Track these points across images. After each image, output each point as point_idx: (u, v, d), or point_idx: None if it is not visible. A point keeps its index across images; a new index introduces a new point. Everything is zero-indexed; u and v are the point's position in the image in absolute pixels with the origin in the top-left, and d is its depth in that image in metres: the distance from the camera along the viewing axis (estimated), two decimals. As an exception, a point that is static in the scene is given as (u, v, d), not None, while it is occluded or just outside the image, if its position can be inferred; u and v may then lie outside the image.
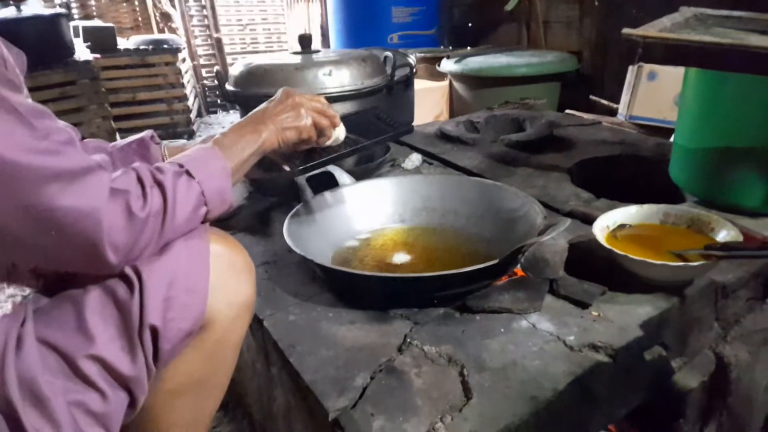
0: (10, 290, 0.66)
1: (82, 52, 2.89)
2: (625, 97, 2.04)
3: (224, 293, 0.71)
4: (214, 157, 0.74)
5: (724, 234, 0.94)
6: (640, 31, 1.09)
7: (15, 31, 2.52)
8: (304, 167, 0.94)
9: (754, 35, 1.11)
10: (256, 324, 0.94)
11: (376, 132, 1.05)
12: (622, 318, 0.86)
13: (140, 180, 0.64)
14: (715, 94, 1.16)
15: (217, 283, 0.70)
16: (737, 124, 1.12)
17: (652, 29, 1.11)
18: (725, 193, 1.16)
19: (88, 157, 0.61)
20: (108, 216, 0.59)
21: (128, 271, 0.65)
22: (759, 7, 1.21)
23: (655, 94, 1.92)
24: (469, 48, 3.31)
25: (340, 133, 0.96)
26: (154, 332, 0.65)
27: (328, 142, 0.95)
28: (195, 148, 0.77)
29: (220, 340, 0.73)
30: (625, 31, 1.09)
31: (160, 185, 0.65)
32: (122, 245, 0.62)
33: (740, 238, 0.91)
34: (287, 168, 0.92)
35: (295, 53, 1.39)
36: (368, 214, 1.18)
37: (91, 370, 0.62)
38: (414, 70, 1.72)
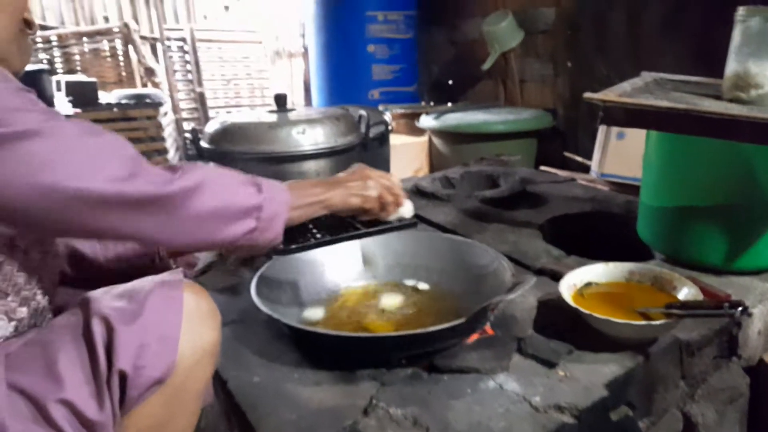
0: None
1: (63, 106, 2.92)
2: (596, 155, 2.11)
3: (188, 338, 0.71)
4: (283, 189, 0.81)
5: (685, 292, 0.95)
6: (601, 95, 1.13)
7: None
8: (295, 247, 0.94)
9: (708, 99, 1.17)
10: (220, 385, 0.92)
11: (378, 222, 1.05)
12: (588, 377, 0.86)
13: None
14: (674, 154, 1.21)
15: (181, 328, 0.71)
16: (696, 184, 1.16)
17: (612, 93, 1.16)
18: (689, 251, 1.19)
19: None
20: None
21: (99, 315, 0.66)
22: (715, 72, 1.28)
23: (624, 152, 1.98)
24: (448, 104, 3.41)
25: (405, 211, 0.99)
26: (123, 378, 0.66)
27: (391, 217, 0.98)
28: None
29: (182, 384, 0.73)
30: (587, 95, 1.14)
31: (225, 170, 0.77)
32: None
33: (700, 297, 0.92)
34: (282, 246, 0.92)
35: (271, 111, 1.42)
36: (340, 271, 1.18)
37: (59, 414, 0.63)
38: (389, 128, 1.77)
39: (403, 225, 1.05)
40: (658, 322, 0.87)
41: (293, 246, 0.93)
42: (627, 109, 1.10)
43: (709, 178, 1.13)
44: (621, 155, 2.00)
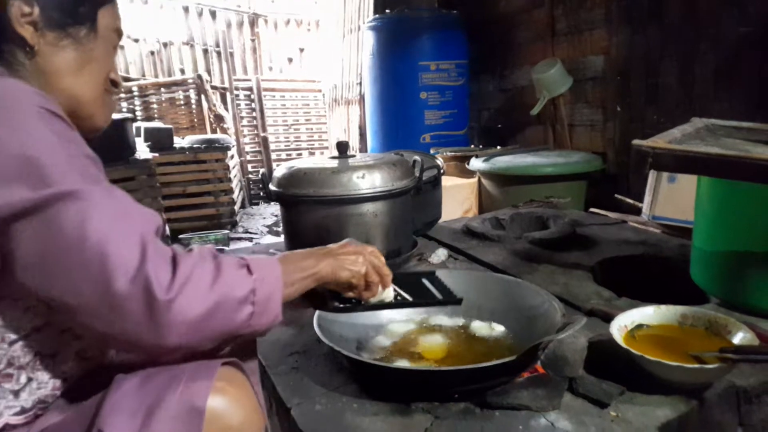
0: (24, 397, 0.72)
1: (142, 150, 3.20)
2: (647, 198, 2.10)
3: None
4: (274, 266, 0.77)
5: (740, 337, 0.95)
6: (650, 142, 1.17)
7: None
8: (345, 307, 0.97)
9: (760, 146, 1.18)
10: (284, 412, 0.98)
11: (425, 295, 1.07)
12: (641, 419, 0.87)
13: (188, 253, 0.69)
14: (727, 199, 1.21)
15: None
16: (751, 229, 1.16)
17: (661, 140, 1.19)
18: (745, 296, 1.18)
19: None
20: (117, 244, 0.63)
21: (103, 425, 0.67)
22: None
23: (676, 195, 1.97)
24: (497, 147, 3.48)
25: (387, 294, 0.98)
26: None
27: (373, 300, 0.96)
28: (260, 256, 0.82)
29: None
30: (635, 142, 1.18)
31: (213, 257, 0.70)
32: (134, 272, 0.62)
33: (755, 342, 0.92)
34: (334, 304, 0.96)
35: (333, 158, 1.53)
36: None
37: None
38: (441, 171, 1.84)
39: (450, 300, 1.06)
40: (711, 366, 0.88)
41: (342, 306, 0.96)
42: (676, 156, 1.12)
43: (762, 223, 1.14)
44: (673, 198, 1.99)
